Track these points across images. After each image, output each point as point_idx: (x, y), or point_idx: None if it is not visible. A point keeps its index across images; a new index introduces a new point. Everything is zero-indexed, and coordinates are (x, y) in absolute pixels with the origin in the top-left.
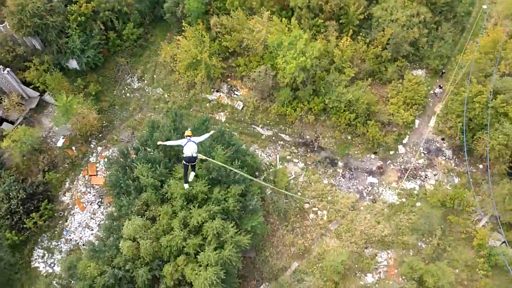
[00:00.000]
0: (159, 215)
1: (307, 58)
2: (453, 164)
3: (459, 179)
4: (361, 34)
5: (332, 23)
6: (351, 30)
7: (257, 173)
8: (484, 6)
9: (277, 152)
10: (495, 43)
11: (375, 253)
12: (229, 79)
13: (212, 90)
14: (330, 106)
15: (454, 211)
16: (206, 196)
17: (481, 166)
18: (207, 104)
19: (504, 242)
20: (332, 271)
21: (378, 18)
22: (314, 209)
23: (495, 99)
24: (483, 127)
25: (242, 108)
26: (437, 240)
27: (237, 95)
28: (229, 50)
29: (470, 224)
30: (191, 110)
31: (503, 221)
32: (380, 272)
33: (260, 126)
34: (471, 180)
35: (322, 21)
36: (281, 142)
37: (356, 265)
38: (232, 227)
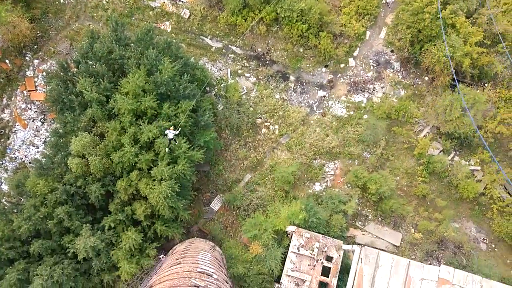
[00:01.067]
0: (107, 131)
1: None
2: (400, 77)
3: (405, 91)
4: None
5: None
6: None
7: (208, 88)
8: None
9: (228, 65)
10: None
11: (323, 164)
12: None
13: None
14: (282, 15)
15: (399, 122)
16: (155, 112)
17: (426, 78)
18: (150, 12)
19: (442, 150)
20: (283, 181)
21: None
22: (266, 123)
23: (445, 10)
24: (431, 39)
25: (189, 17)
26: (380, 150)
27: (182, 1)
28: None
29: (413, 134)
30: (133, 18)
31: (443, 131)
32: (328, 181)
33: (209, 37)
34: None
35: None
36: (232, 55)
37: (305, 175)
38: (184, 142)
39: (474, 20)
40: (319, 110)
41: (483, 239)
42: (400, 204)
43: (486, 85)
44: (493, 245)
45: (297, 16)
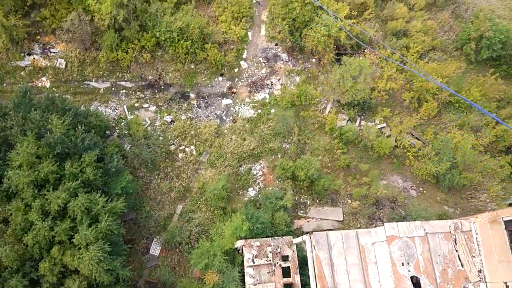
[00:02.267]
0: (10, 214)
1: None
2: (291, 65)
3: (300, 77)
4: None
5: None
6: None
7: (108, 132)
8: None
9: (122, 102)
10: None
11: (250, 168)
12: (39, 37)
13: (22, 54)
14: (163, 38)
15: (303, 107)
16: (58, 175)
17: (314, 60)
18: (22, 73)
19: (348, 120)
20: (216, 199)
21: None
22: (181, 148)
23: None
24: (307, 24)
25: (66, 66)
26: (296, 137)
27: (54, 52)
28: (27, 3)
29: (319, 114)
30: (4, 85)
31: (343, 102)
32: (259, 182)
33: (93, 80)
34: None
35: None
36: (124, 91)
37: (236, 185)
38: (99, 197)
39: None
40: (228, 118)
41: (411, 186)
42: (330, 181)
43: (365, 51)
44: (421, 189)
45: (178, 35)
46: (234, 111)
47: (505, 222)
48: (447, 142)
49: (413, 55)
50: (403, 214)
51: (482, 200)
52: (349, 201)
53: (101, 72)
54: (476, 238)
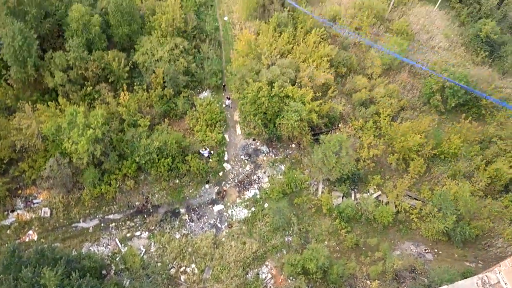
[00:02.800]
0: None
1: (94, 128)
2: (273, 156)
3: (284, 164)
4: (135, 83)
5: (103, 86)
6: (124, 84)
7: (104, 272)
8: (225, 18)
9: (113, 236)
10: (249, 43)
11: (257, 273)
12: (20, 191)
13: (5, 212)
14: (143, 162)
15: (295, 193)
16: None
17: (293, 145)
18: (8, 231)
19: (343, 196)
20: None
21: (144, 63)
22: (181, 269)
23: (273, 88)
24: (278, 114)
25: (51, 213)
26: (296, 227)
27: (38, 203)
28: (4, 161)
29: (312, 196)
30: None
31: (333, 179)
32: (270, 286)
33: (81, 220)
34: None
35: (91, 87)
36: (113, 224)
37: None
38: None
39: (299, 83)
40: (223, 224)
41: (425, 250)
42: (343, 265)
43: (339, 125)
44: (436, 250)
45: (157, 155)
46: (227, 215)
47: None
48: (446, 195)
49: (385, 119)
50: (426, 282)
51: (500, 247)
52: (368, 282)
53: (87, 211)
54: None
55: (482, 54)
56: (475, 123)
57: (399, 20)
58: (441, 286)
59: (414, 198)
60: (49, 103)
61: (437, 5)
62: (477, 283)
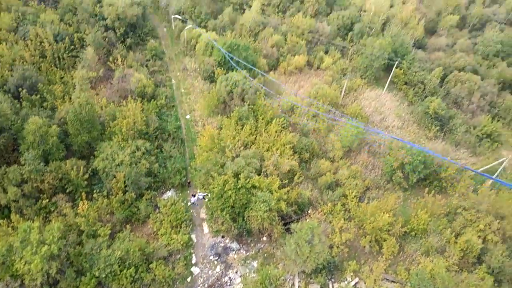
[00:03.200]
0: None
1: (50, 244)
2: (244, 252)
3: (256, 261)
4: (95, 191)
5: (60, 197)
6: (83, 193)
7: None
8: (187, 116)
9: None
10: (212, 138)
11: None
12: None
13: None
14: (103, 275)
15: None
16: None
17: (264, 238)
18: None
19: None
20: None
21: (104, 169)
22: None
23: (239, 180)
24: (246, 206)
25: None
26: None
27: None
28: None
29: None
30: None
31: (308, 271)
32: None
33: None
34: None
35: (48, 200)
36: None
37: None
38: None
39: (265, 172)
40: None
41: None
42: None
43: (309, 211)
44: None
45: (119, 266)
46: None
47: None
48: (423, 274)
49: (352, 201)
50: None
51: None
52: None
53: None
54: None
55: (433, 129)
56: (438, 196)
57: (352, 105)
58: None
59: (392, 281)
60: (1, 221)
61: (385, 88)
62: None
